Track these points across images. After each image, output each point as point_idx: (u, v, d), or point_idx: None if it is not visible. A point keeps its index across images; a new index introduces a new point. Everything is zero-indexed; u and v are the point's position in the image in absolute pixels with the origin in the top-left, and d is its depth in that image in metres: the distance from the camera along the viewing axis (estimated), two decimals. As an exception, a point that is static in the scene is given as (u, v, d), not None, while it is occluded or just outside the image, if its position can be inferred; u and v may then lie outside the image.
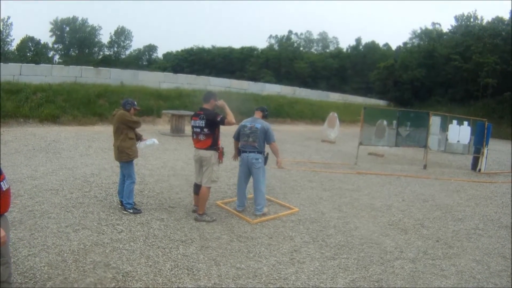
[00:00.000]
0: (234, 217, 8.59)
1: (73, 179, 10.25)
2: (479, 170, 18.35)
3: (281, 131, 22.15)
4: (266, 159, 8.98)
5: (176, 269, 5.95)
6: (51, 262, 5.75)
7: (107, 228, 7.22)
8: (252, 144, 8.78)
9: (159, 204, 8.92)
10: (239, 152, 9.11)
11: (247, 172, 9.03)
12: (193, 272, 5.90)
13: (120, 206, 8.30)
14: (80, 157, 12.99)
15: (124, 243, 6.64)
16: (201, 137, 8.14)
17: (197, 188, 8.53)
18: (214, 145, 8.18)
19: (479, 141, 18.70)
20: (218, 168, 8.44)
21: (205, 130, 8.07)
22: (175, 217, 8.17)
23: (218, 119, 8.03)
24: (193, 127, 8.26)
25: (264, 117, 9.22)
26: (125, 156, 8.17)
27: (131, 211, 8.15)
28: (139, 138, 8.56)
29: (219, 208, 9.10)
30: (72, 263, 5.79)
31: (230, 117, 8.12)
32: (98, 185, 9.90)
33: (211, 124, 8.07)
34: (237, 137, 9.18)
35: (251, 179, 9.18)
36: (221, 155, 8.36)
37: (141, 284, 5.46)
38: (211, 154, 8.15)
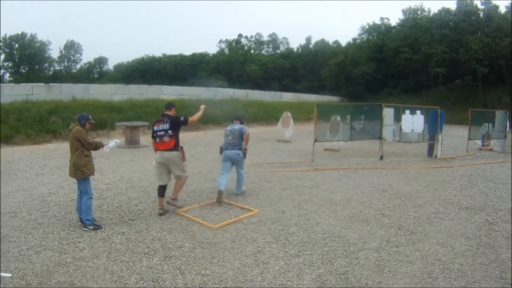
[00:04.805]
0: (195, 224, 8.52)
1: (30, 199, 10.07)
2: (435, 156, 18.70)
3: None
4: (244, 154, 10.98)
5: (141, 281, 5.87)
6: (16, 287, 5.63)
7: (69, 247, 7.09)
8: (232, 141, 10.77)
9: (119, 218, 8.81)
10: (220, 149, 10.99)
11: (230, 164, 10.83)
12: (158, 283, 5.84)
13: (80, 223, 8.15)
14: (36, 176, 12.76)
15: (87, 261, 6.53)
16: (165, 138, 9.06)
17: (161, 190, 9.25)
18: (177, 146, 9.16)
19: (433, 128, 19.03)
20: (184, 164, 9.53)
21: (169, 132, 9.04)
22: (136, 230, 8.07)
23: (182, 119, 9.22)
24: (156, 131, 9.24)
25: (241, 123, 11.33)
26: (80, 174, 8.05)
27: (91, 227, 8.02)
28: (100, 145, 8.42)
29: (179, 217, 9.00)
30: (37, 286, 5.68)
31: (194, 117, 9.59)
32: (56, 204, 9.73)
33: (175, 126, 9.13)
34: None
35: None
36: (183, 154, 9.39)
37: (107, 300, 5.39)
38: (176, 154, 9.12)
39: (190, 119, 9.39)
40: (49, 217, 8.72)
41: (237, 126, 11.11)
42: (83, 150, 8.06)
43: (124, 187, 11.66)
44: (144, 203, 10.02)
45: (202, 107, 10.02)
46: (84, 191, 8.18)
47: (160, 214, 8.98)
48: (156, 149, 9.30)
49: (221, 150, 10.99)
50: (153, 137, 9.43)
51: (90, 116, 8.42)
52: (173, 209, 9.35)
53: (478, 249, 7.40)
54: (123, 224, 8.39)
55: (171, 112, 9.47)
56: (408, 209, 10.03)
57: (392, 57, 61.43)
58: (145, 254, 6.88)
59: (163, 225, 8.38)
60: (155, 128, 9.31)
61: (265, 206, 9.98)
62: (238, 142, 10.83)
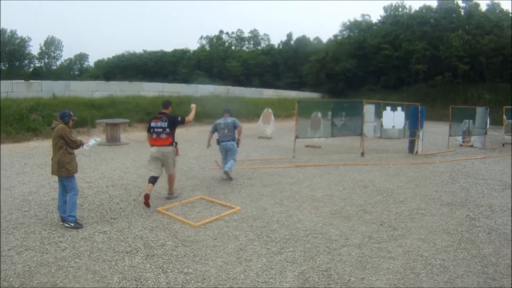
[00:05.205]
0: (177, 222, 8.49)
1: (11, 199, 9.94)
2: (416, 152, 18.80)
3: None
4: (237, 143, 12.48)
5: (124, 281, 5.83)
6: (-3, 289, 5.55)
7: (51, 247, 7.02)
8: (228, 134, 12.27)
9: (100, 217, 8.73)
10: (217, 141, 12.48)
11: (226, 153, 12.47)
12: (141, 282, 5.80)
13: (61, 223, 8.07)
14: (16, 175, 12.62)
15: (69, 261, 6.47)
16: (163, 135, 9.82)
17: (153, 179, 9.82)
18: (172, 142, 9.97)
19: (413, 125, 19.12)
20: (176, 160, 10.48)
21: (167, 130, 9.82)
22: (117, 228, 8.02)
23: (179, 119, 10.07)
24: (153, 127, 9.88)
25: (231, 115, 12.73)
26: (65, 172, 7.98)
27: (73, 224, 7.97)
28: (80, 143, 8.37)
29: (161, 215, 8.96)
30: (19, 287, 5.62)
31: (190, 116, 10.52)
32: (38, 203, 9.62)
33: (173, 125, 9.91)
34: (213, 131, 12.66)
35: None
36: (177, 149, 10.19)
37: (89, 300, 5.35)
38: (172, 150, 9.97)
39: (186, 119, 10.32)
40: (30, 217, 8.61)
41: (229, 119, 12.47)
42: (67, 148, 8.01)
43: (105, 185, 11.58)
44: (126, 201, 9.95)
45: (193, 106, 10.95)
46: (70, 188, 8.15)
47: (146, 196, 9.40)
48: (152, 144, 9.97)
49: (218, 142, 12.48)
50: (149, 132, 10.02)
51: (72, 113, 8.38)
52: (155, 207, 9.35)
53: (460, 245, 7.46)
54: (104, 223, 8.33)
55: (167, 111, 10.20)
56: (389, 205, 10.08)
57: (373, 54, 61.89)
58: (127, 253, 6.84)
59: (144, 223, 8.34)
60: (153, 124, 9.93)
61: (247, 203, 9.97)
62: (232, 134, 12.35)
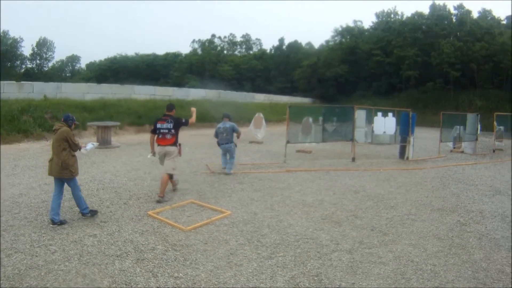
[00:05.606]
0: (167, 226, 8.44)
1: (1, 201, 9.82)
2: (407, 158, 18.81)
3: (208, 135, 22.00)
4: (235, 145, 14.42)
5: (114, 285, 5.80)
6: (-14, 291, 5.50)
7: (40, 250, 6.97)
8: (226, 137, 14.00)
9: (90, 220, 8.64)
10: (218, 143, 14.31)
11: (226, 154, 14.37)
12: (131, 286, 5.77)
13: (51, 225, 8.04)
14: (6, 177, 12.49)
15: (58, 264, 6.43)
16: (168, 136, 10.64)
17: (169, 175, 10.85)
18: (176, 142, 10.78)
19: (404, 131, 19.17)
20: (178, 160, 11.16)
21: (172, 130, 10.62)
22: (107, 232, 7.97)
23: (183, 121, 10.94)
24: (159, 128, 10.68)
25: (230, 120, 14.43)
26: (68, 173, 8.22)
27: (89, 214, 8.63)
28: (79, 147, 8.57)
29: (151, 219, 8.91)
30: (8, 290, 5.57)
31: (193, 119, 11.41)
32: (28, 206, 9.54)
33: (177, 126, 10.75)
34: (216, 135, 14.40)
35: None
36: (180, 149, 11.00)
37: (79, 303, 5.32)
38: (174, 149, 10.72)
39: (190, 120, 11.16)
40: (20, 219, 8.55)
41: (228, 124, 14.16)
42: (70, 150, 8.27)
43: (96, 188, 11.52)
44: (116, 205, 9.89)
45: (194, 109, 11.86)
46: (73, 186, 8.52)
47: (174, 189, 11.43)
48: (158, 144, 10.80)
49: (219, 144, 14.28)
50: (155, 133, 10.82)
51: (74, 117, 8.73)
52: (145, 211, 9.27)
53: (450, 250, 7.48)
54: (94, 226, 8.27)
55: (172, 113, 10.96)
56: (380, 210, 10.09)
57: (364, 60, 62.19)
58: (117, 256, 6.80)
59: (135, 227, 8.30)
60: (159, 125, 10.72)
61: (237, 208, 9.95)
62: (231, 137, 14.06)
